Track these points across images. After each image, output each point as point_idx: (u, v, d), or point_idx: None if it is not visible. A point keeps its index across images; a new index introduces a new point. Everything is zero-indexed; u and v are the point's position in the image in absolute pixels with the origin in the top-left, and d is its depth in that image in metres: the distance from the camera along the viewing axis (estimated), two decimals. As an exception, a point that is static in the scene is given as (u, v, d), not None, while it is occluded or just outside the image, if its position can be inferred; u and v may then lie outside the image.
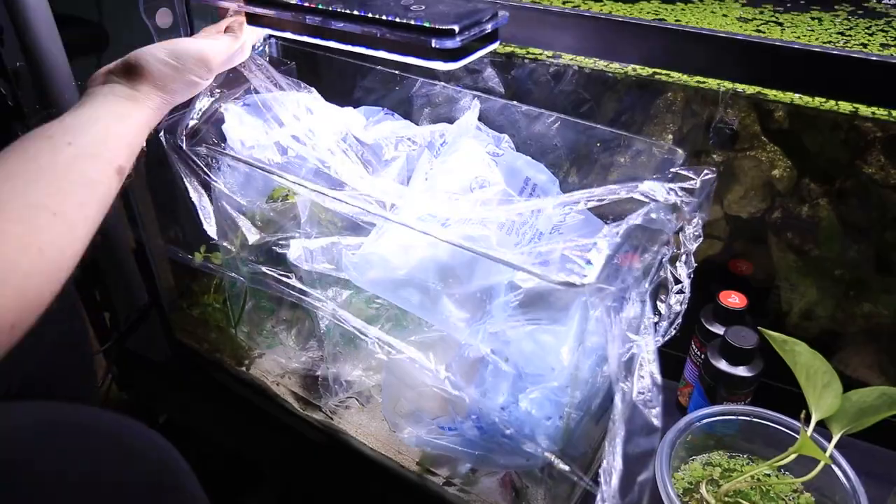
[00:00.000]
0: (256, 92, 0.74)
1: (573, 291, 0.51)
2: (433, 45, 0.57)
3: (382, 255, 0.63)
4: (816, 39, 0.89)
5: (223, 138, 0.71)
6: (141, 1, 0.69)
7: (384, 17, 0.59)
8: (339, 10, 0.61)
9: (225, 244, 0.75)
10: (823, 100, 0.78)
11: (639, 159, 0.67)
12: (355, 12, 0.60)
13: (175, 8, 0.72)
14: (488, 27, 0.60)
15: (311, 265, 0.68)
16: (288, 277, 0.71)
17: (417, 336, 0.68)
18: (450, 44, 0.57)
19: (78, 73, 1.05)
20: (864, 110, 0.77)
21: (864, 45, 0.87)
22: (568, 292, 0.53)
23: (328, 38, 0.64)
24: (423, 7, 0.60)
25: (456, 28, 0.57)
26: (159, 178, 0.77)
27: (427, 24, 0.57)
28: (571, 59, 0.83)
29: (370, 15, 0.60)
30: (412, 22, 0.58)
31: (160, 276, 0.88)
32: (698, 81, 0.83)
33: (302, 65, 0.88)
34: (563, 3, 1.00)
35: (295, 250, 0.69)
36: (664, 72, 0.84)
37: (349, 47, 0.63)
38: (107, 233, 1.09)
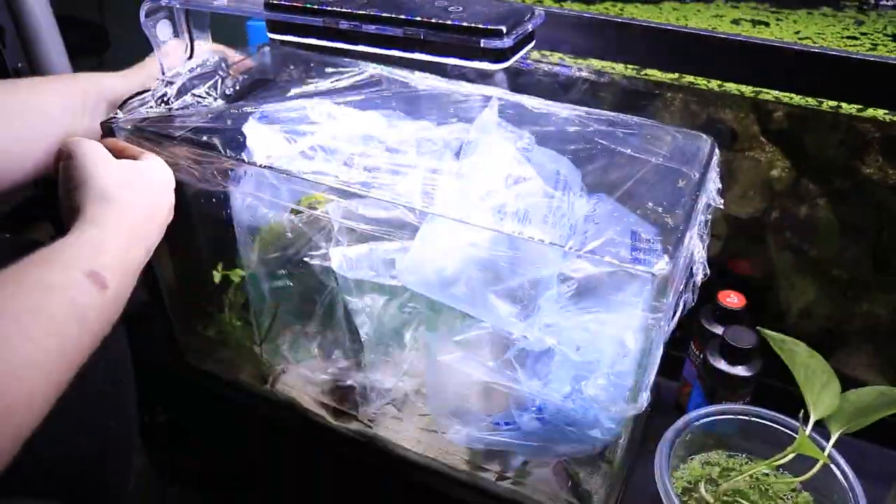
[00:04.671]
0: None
1: (641, 279, 0.52)
2: (482, 45, 0.57)
3: (433, 256, 0.62)
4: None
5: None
6: (143, 13, 0.68)
7: (429, 20, 0.58)
8: (376, 13, 0.60)
9: (251, 256, 0.73)
10: (822, 100, 0.79)
11: (664, 148, 0.66)
12: (395, 15, 0.59)
13: (175, 21, 0.71)
14: (529, 26, 0.60)
15: (353, 272, 0.66)
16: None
17: (463, 335, 0.66)
18: (499, 44, 0.57)
19: (78, 73, 1.06)
20: (863, 110, 0.77)
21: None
22: (635, 280, 0.53)
23: (362, 43, 0.62)
24: (461, 8, 0.59)
25: (504, 28, 0.56)
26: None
27: (478, 25, 0.57)
28: (560, 58, 0.82)
29: (413, 17, 0.59)
30: (464, 24, 0.57)
31: (170, 301, 0.84)
32: (690, 82, 0.83)
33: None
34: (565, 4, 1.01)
35: (336, 259, 0.67)
36: (663, 72, 0.85)
37: (385, 51, 0.62)
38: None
